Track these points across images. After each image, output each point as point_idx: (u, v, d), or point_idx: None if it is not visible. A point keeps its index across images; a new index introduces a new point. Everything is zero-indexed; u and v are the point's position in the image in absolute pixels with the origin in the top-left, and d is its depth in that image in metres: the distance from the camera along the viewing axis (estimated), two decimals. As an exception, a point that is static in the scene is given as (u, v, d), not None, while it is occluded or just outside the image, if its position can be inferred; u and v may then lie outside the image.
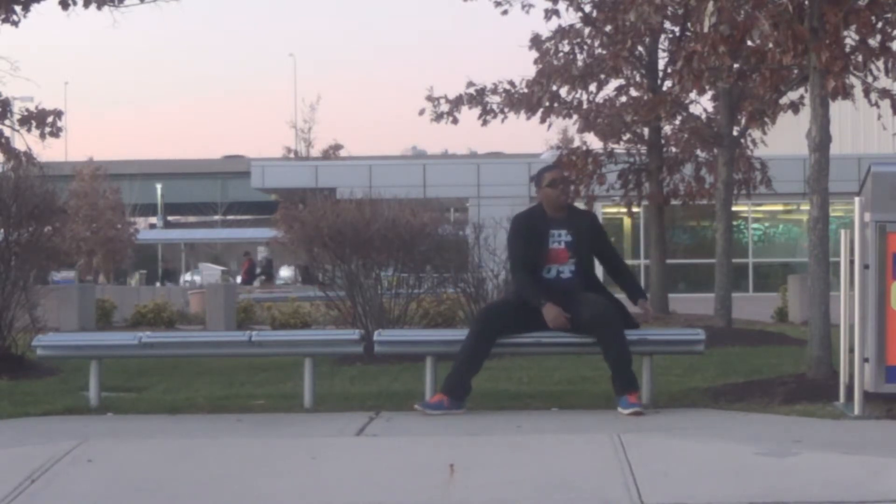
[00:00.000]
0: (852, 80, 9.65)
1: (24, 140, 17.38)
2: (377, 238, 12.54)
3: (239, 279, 45.13)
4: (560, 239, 8.36)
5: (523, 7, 19.24)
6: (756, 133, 18.69)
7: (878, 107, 13.29)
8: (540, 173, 8.57)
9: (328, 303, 15.13)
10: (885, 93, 13.50)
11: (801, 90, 14.79)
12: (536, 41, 19.53)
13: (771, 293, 24.31)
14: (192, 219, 73.96)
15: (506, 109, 19.93)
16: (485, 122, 20.14)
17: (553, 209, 8.46)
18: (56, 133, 17.29)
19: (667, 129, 19.94)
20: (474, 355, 8.22)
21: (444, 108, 20.31)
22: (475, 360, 8.24)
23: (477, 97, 20.10)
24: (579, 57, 19.51)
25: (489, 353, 8.32)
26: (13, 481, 6.32)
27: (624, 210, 21.78)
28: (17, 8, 15.63)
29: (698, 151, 19.49)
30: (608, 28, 17.99)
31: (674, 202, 20.65)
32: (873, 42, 9.19)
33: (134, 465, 6.67)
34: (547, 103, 19.43)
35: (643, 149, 20.29)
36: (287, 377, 10.27)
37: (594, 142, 20.75)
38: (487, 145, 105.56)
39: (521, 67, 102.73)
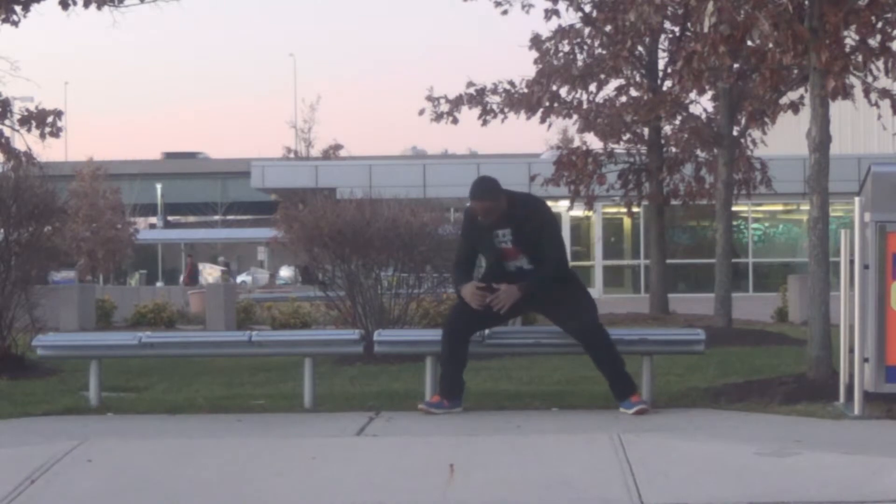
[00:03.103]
0: (852, 80, 9.64)
1: (24, 140, 17.42)
2: (377, 238, 12.53)
3: (181, 280, 45.14)
4: (505, 239, 8.21)
5: (523, 7, 19.24)
6: (756, 133, 18.71)
7: (878, 107, 13.30)
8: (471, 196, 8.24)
9: (328, 303, 15.13)
10: (885, 93, 13.53)
11: (801, 90, 14.81)
12: (536, 41, 19.54)
13: (771, 293, 24.30)
14: (192, 219, 73.96)
15: (506, 109, 19.94)
16: (485, 122, 20.16)
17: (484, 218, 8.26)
18: (56, 133, 17.30)
19: (667, 129, 19.96)
20: (452, 355, 8.26)
21: (444, 108, 20.35)
22: (455, 360, 8.26)
23: (477, 97, 20.12)
24: (579, 57, 19.52)
25: (466, 350, 8.31)
26: (13, 481, 6.32)
27: (624, 210, 21.81)
28: (17, 8, 15.64)
29: (698, 151, 19.51)
30: (608, 28, 17.99)
31: (674, 202, 20.67)
32: (873, 42, 9.19)
33: (134, 465, 6.67)
34: (547, 103, 19.45)
35: (643, 149, 20.31)
36: (287, 377, 10.27)
37: (594, 142, 20.80)
38: (487, 145, 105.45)
39: (521, 67, 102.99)
